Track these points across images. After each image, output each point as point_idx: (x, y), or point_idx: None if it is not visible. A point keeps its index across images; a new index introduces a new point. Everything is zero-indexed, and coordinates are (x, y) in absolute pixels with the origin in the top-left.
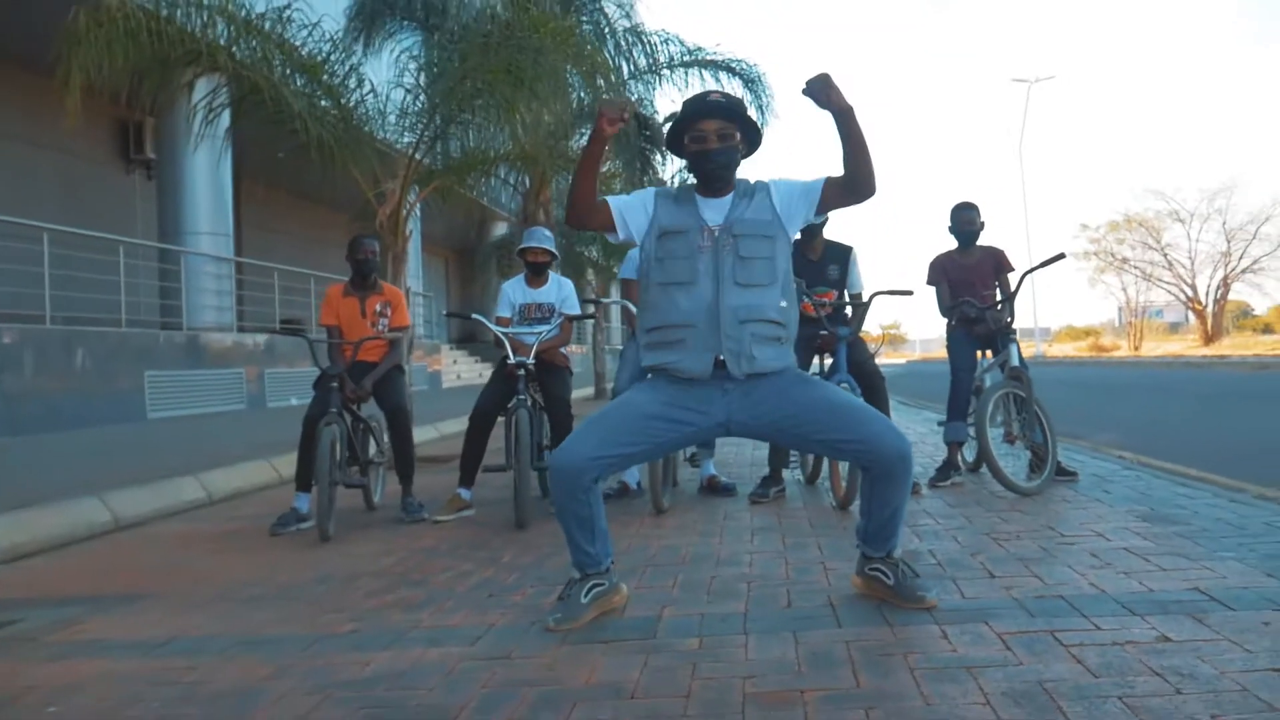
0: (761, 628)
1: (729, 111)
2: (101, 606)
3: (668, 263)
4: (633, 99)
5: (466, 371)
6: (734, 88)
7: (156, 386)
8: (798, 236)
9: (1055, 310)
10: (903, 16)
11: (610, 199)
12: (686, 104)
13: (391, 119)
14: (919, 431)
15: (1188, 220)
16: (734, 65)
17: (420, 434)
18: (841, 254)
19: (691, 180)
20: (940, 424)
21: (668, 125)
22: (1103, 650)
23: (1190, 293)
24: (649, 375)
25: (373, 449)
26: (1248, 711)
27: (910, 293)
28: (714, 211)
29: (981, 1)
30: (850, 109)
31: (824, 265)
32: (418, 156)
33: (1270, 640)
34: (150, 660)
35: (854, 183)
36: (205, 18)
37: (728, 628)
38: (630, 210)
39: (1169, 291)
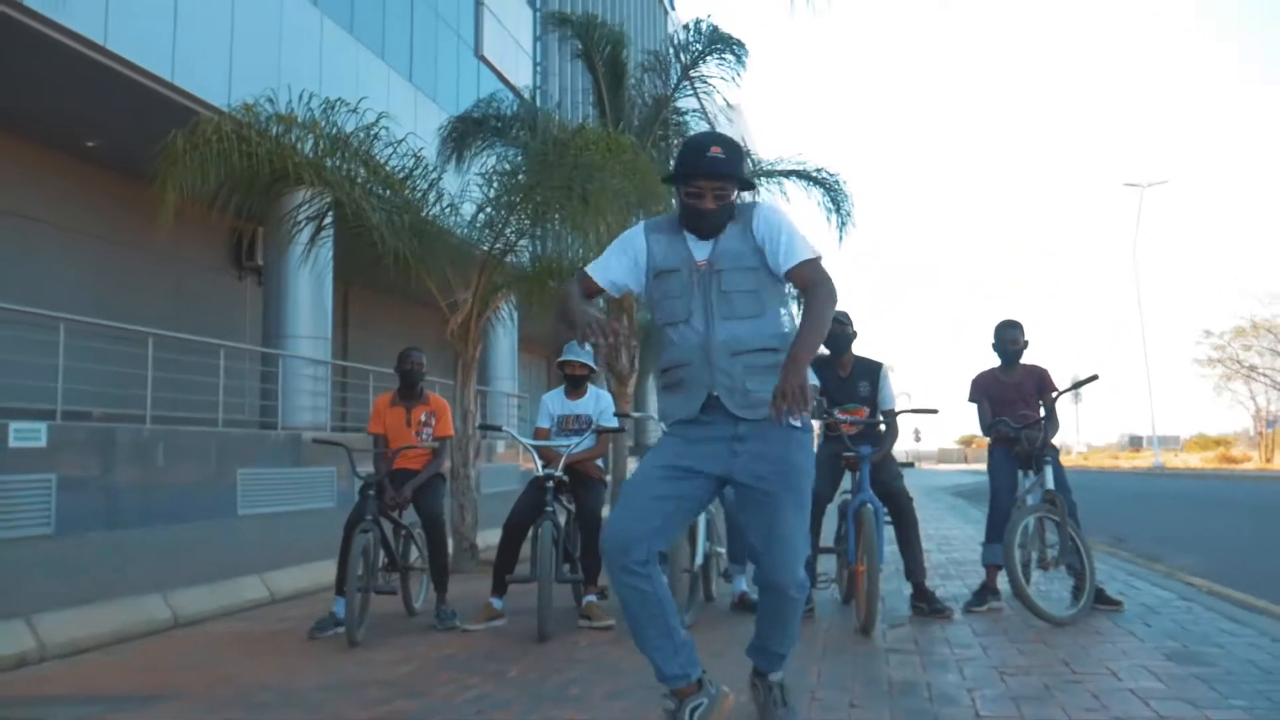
0: None
1: (726, 174)
2: (122, 705)
3: (664, 303)
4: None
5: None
6: (815, 195)
7: (248, 484)
8: (826, 352)
9: (1188, 418)
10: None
11: (590, 269)
12: (686, 153)
13: (461, 232)
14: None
15: None
16: (814, 174)
17: (492, 536)
18: (872, 370)
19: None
20: (981, 545)
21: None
22: None
23: None
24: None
25: (415, 555)
26: None
27: (935, 411)
28: (701, 248)
29: (1088, 109)
30: (802, 356)
31: (854, 382)
32: (488, 267)
33: None
34: None
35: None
36: (296, 136)
37: None
38: (614, 268)
39: None
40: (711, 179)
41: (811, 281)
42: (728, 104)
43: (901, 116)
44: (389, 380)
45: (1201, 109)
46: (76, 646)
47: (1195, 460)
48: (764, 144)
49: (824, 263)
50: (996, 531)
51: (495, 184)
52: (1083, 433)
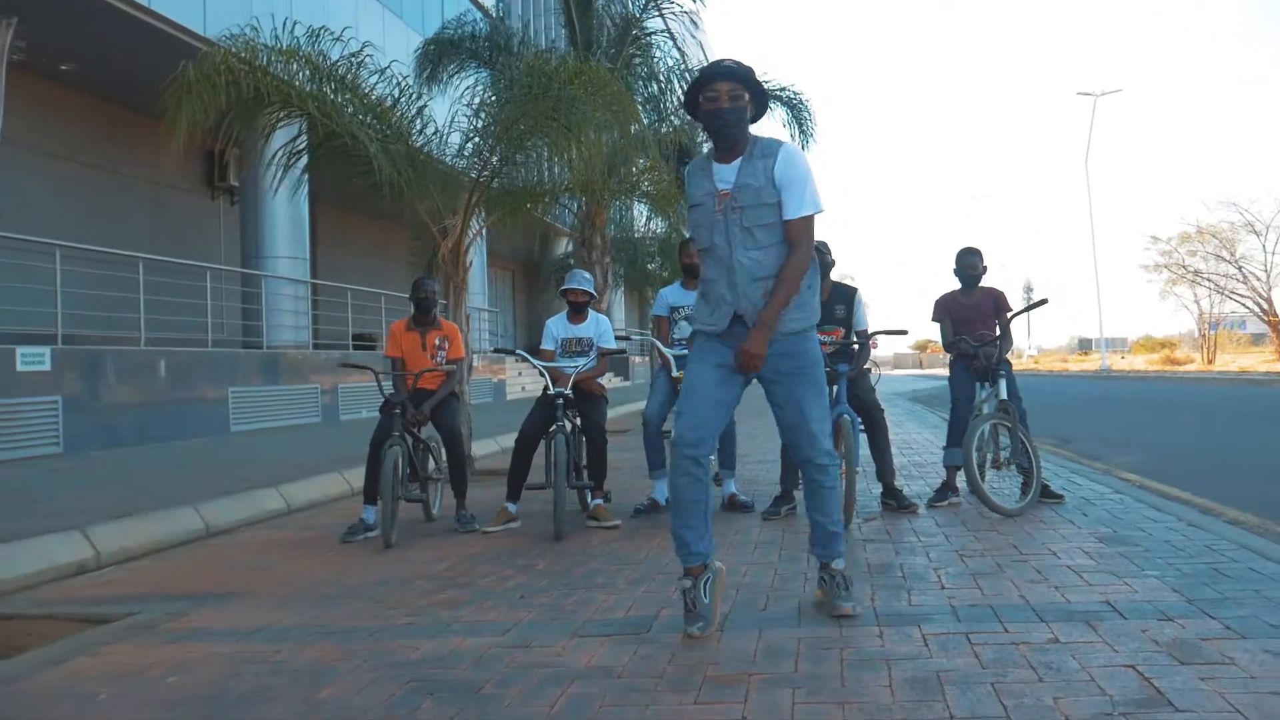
0: (736, 626)
1: (740, 76)
2: (203, 602)
3: (696, 231)
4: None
5: (531, 384)
6: (779, 114)
7: (239, 402)
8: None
9: (1135, 321)
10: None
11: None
12: (702, 70)
13: (449, 159)
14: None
15: (1263, 232)
16: (779, 93)
17: (481, 447)
18: (847, 295)
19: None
20: (942, 449)
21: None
22: (999, 649)
23: (1265, 305)
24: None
25: (431, 466)
26: (1085, 695)
27: (905, 332)
28: (725, 177)
29: (1044, 17)
30: (771, 322)
31: (831, 306)
32: (476, 193)
33: (1138, 644)
34: (244, 645)
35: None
36: (293, 68)
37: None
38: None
39: (1243, 304)
40: (724, 79)
41: (796, 241)
42: (694, 23)
43: (859, 34)
44: (366, 299)
45: (1157, 17)
46: (128, 554)
47: (1140, 362)
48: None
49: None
50: (956, 437)
51: (483, 115)
52: (1034, 336)
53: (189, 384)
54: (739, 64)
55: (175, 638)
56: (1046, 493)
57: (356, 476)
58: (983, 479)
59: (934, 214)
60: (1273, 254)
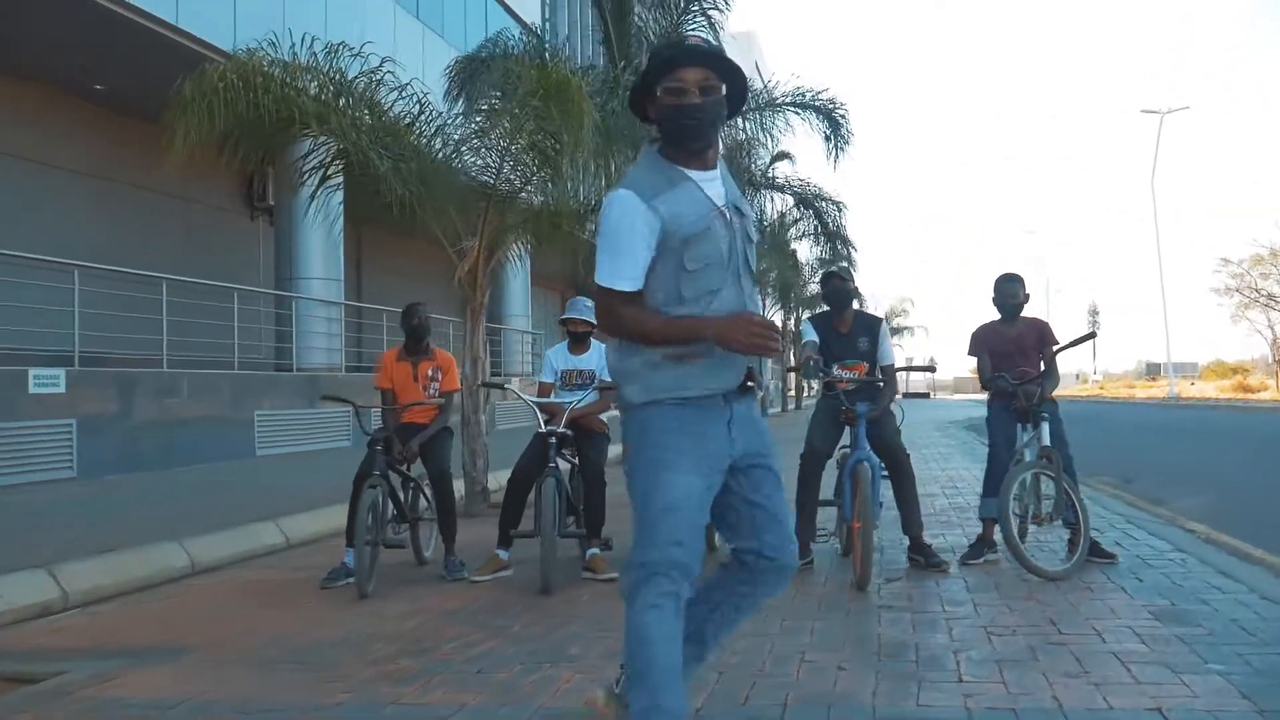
0: None
1: (711, 58)
2: (140, 660)
3: (702, 273)
4: None
5: (525, 412)
6: (818, 126)
7: (265, 425)
8: (826, 309)
9: (1206, 345)
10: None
11: (620, 284)
12: (658, 51)
13: (463, 177)
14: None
15: None
16: (816, 104)
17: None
18: (871, 326)
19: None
20: (980, 496)
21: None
22: None
23: None
24: (651, 408)
25: (423, 505)
26: None
27: (934, 369)
28: (714, 187)
29: (1109, 35)
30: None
31: (854, 338)
32: (489, 210)
33: None
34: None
35: None
36: (302, 83)
37: None
38: (641, 262)
39: None
40: (695, 65)
41: None
42: (732, 37)
43: (919, 41)
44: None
45: (1226, 33)
46: (99, 594)
47: (1211, 389)
48: (780, 70)
49: None
50: (994, 485)
51: (480, 119)
52: (1099, 360)
53: (211, 406)
54: (707, 41)
55: (85, 710)
56: (1096, 551)
57: None
58: (1023, 535)
59: (989, 240)
60: None
